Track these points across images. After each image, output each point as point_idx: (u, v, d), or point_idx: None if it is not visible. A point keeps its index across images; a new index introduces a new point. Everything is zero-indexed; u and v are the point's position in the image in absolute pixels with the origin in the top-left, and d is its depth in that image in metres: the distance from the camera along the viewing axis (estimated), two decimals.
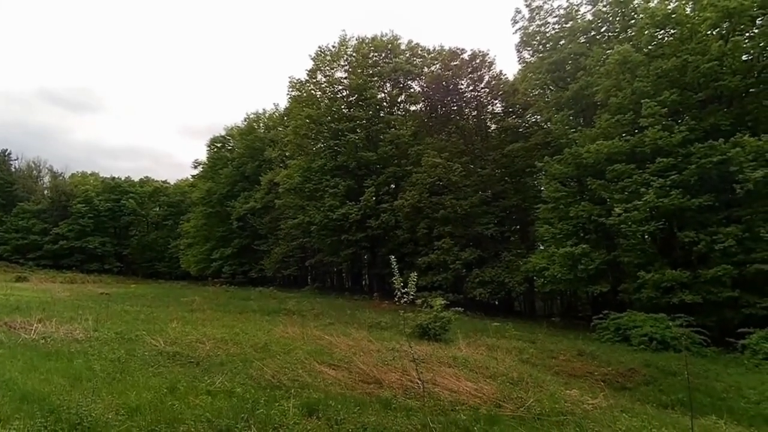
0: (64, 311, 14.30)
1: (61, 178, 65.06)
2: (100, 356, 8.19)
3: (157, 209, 62.99)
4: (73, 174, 67.89)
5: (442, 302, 14.08)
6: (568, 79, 23.55)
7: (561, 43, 24.20)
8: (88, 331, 10.65)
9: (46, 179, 66.07)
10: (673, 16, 18.64)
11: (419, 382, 6.87)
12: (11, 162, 64.02)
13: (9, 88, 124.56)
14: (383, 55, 35.70)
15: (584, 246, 19.92)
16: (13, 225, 56.83)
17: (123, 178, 63.24)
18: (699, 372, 10.92)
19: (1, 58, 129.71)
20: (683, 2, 19.35)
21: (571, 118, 23.51)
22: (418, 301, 12.31)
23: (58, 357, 8.11)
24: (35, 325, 10.76)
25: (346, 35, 36.03)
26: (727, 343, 14.33)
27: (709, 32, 18.41)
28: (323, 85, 36.58)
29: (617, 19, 22.95)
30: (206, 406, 5.58)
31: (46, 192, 63.23)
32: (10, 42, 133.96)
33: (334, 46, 36.01)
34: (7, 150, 63.45)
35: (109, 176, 64.42)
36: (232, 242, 44.97)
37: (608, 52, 21.00)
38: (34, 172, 66.39)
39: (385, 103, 36.22)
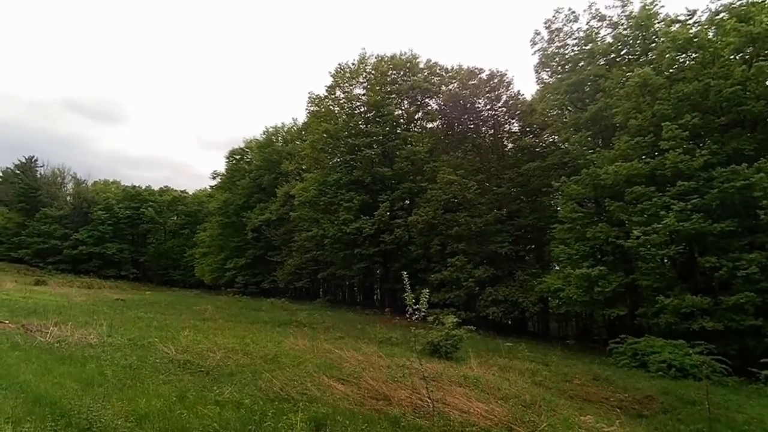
0: (80, 316, 14.50)
1: (83, 185, 66.79)
2: (113, 362, 8.26)
3: (175, 218, 64.00)
4: (95, 181, 69.75)
5: (454, 320, 13.94)
6: (587, 101, 23.48)
7: (580, 64, 24.20)
8: (102, 336, 10.76)
9: (70, 186, 67.92)
10: (695, 40, 18.54)
11: (429, 400, 6.75)
12: (37, 168, 65.99)
13: (36, 97, 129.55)
14: (402, 72, 36.18)
15: (601, 268, 19.56)
16: (35, 229, 58.30)
17: (143, 187, 64.64)
18: (719, 402, 10.51)
19: (30, 67, 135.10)
20: (705, 27, 19.24)
21: (589, 139, 23.36)
22: (430, 318, 12.23)
23: (72, 361, 8.20)
24: (51, 328, 10.91)
25: (365, 53, 36.71)
26: (749, 373, 13.82)
27: (732, 57, 18.25)
28: (342, 101, 37.12)
29: (638, 42, 22.91)
30: (214, 417, 5.57)
31: (68, 198, 64.88)
32: (38, 52, 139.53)
33: (353, 64, 36.68)
34: (33, 156, 65.53)
35: (130, 185, 65.94)
36: (246, 253, 45.37)
37: (628, 74, 20.91)
38: (59, 178, 68.27)
39: (402, 120, 36.53)
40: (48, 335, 10.24)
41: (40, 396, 5.89)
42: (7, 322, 12.01)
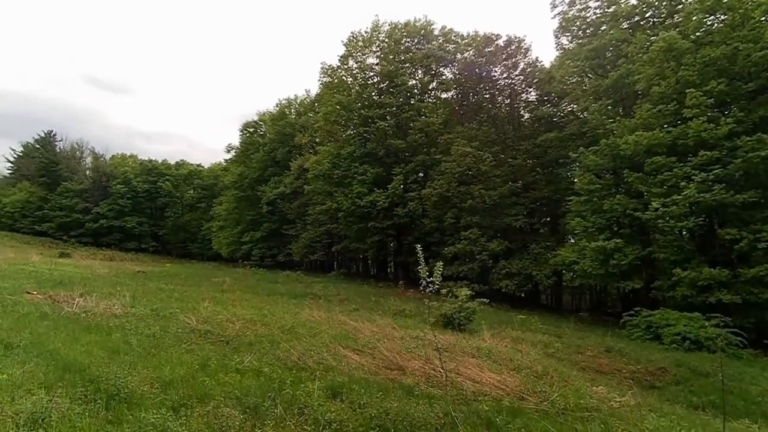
0: (104, 287, 14.96)
1: (102, 159, 67.63)
2: (137, 331, 8.55)
3: (192, 192, 64.79)
4: (113, 156, 70.55)
5: (468, 292, 14.01)
6: (608, 67, 22.68)
7: (602, 28, 23.28)
8: (125, 306, 11.11)
9: (88, 160, 68.77)
10: (725, 1, 17.62)
11: (442, 370, 6.89)
12: (56, 143, 66.95)
13: (55, 74, 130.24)
14: (416, 40, 35.26)
15: (617, 240, 19.36)
16: (57, 203, 59.71)
17: (160, 161, 65.31)
18: (733, 374, 10.52)
19: (48, 44, 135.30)
20: None
21: (609, 107, 22.70)
22: (443, 291, 12.30)
23: (98, 330, 8.51)
24: (77, 299, 11.29)
25: (379, 21, 35.78)
26: (765, 345, 13.75)
27: (762, 19, 17.34)
28: (354, 71, 36.49)
29: (663, 4, 21.84)
30: (235, 384, 5.78)
31: (88, 172, 65.92)
32: (58, 27, 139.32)
33: (366, 32, 35.80)
34: (52, 131, 66.45)
35: (146, 158, 66.67)
36: (261, 226, 45.93)
37: (652, 38, 20.06)
38: (77, 153, 69.17)
39: (416, 90, 35.87)
40: (74, 306, 10.61)
41: (70, 363, 6.15)
42: (35, 293, 12.47)
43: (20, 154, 66.08)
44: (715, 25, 18.71)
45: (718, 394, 8.32)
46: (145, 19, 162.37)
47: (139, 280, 20.46)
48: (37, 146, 64.53)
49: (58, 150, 66.51)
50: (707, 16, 18.57)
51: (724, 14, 18.15)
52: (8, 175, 67.20)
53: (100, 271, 23.68)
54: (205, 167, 67.39)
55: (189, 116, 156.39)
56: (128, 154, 72.95)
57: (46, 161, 61.95)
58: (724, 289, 16.13)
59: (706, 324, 14.49)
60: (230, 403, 5.14)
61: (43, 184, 61.25)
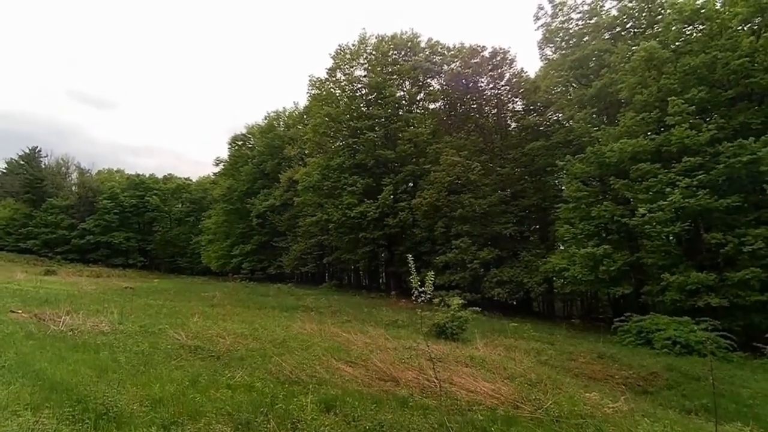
0: (91, 304, 14.66)
1: (88, 174, 66.91)
2: (125, 349, 8.38)
3: (180, 206, 64.23)
4: (99, 171, 69.91)
5: (460, 301, 14.02)
6: (592, 77, 23.13)
7: (585, 39, 23.79)
8: (113, 324, 10.89)
9: (74, 176, 68.08)
10: (702, 11, 18.15)
11: (436, 381, 6.85)
12: (41, 159, 66.12)
13: (38, 89, 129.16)
14: (403, 53, 35.68)
15: (606, 247, 19.56)
16: (42, 220, 58.75)
17: (147, 175, 64.69)
18: (724, 377, 10.62)
19: (31, 59, 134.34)
20: None
21: (594, 116, 23.10)
22: (436, 300, 12.30)
23: (85, 349, 8.32)
24: (63, 317, 11.03)
25: (366, 33, 36.17)
26: (754, 348, 13.89)
27: (740, 28, 17.89)
28: (343, 84, 36.74)
29: (643, 14, 22.43)
30: (227, 400, 5.68)
31: (73, 188, 65.09)
32: (40, 42, 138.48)
33: (354, 45, 36.15)
34: (37, 147, 65.69)
35: (133, 173, 66.07)
36: (251, 239, 45.62)
37: (634, 48, 20.54)
38: (63, 168, 68.43)
39: (404, 102, 36.18)
40: (61, 324, 10.37)
41: (57, 383, 6.00)
42: (20, 311, 12.18)
43: (4, 170, 65.23)
44: (694, 34, 19.22)
45: (710, 398, 8.37)
46: (128, 32, 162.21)
47: (127, 296, 20.12)
48: (22, 162, 63.72)
49: (44, 166, 65.75)
50: (686, 25, 19.09)
51: (702, 24, 18.67)
52: None
53: (87, 288, 23.23)
54: (194, 181, 67.00)
55: (176, 130, 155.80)
56: (115, 168, 72.46)
57: (30, 178, 61.09)
58: (712, 293, 16.34)
59: (696, 328, 14.65)
60: (222, 420, 5.05)
61: (28, 201, 60.32)
